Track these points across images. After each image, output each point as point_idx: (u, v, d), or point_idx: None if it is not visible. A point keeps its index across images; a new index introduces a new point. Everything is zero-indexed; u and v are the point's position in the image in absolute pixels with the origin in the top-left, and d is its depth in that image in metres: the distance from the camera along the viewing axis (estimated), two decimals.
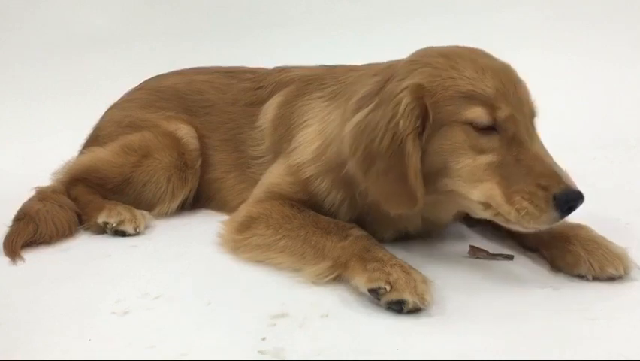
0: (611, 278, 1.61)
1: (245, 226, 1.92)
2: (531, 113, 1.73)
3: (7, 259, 1.97)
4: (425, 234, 2.00)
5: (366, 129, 1.69)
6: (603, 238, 1.70)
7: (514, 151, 1.62)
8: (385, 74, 1.82)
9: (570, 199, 1.55)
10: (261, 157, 2.28)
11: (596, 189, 2.53)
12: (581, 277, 1.65)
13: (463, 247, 1.91)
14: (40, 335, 1.46)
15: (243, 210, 2.00)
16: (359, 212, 1.92)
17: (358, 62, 2.24)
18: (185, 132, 2.42)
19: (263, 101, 2.35)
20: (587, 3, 4.01)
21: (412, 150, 1.63)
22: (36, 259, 1.99)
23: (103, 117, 2.64)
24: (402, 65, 1.79)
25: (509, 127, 1.64)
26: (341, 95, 2.00)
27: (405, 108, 1.64)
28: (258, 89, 2.41)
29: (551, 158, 1.65)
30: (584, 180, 2.56)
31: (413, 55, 1.84)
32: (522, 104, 1.69)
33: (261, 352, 1.34)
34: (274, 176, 2.05)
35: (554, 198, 1.54)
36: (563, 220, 1.80)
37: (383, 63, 1.99)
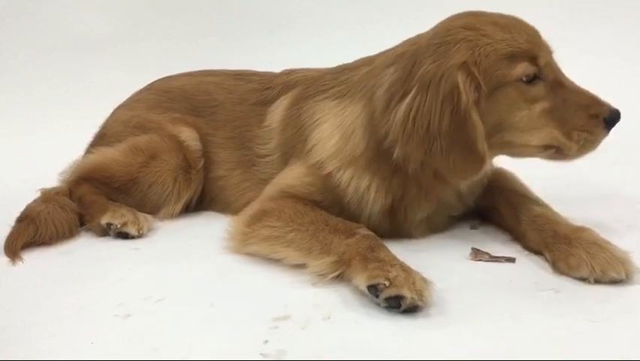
0: (613, 282, 1.61)
1: (256, 219, 1.94)
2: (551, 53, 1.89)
3: (7, 260, 1.98)
4: (451, 211, 2.11)
5: (418, 114, 1.77)
6: (606, 242, 1.70)
7: (559, 93, 1.83)
8: (404, 62, 1.88)
9: (616, 117, 1.83)
10: (267, 155, 2.30)
11: (599, 190, 2.54)
12: (583, 280, 1.64)
13: (465, 250, 1.91)
14: (42, 338, 1.47)
15: (256, 205, 2.02)
16: (392, 197, 1.95)
17: None
18: (188, 135, 2.43)
19: (271, 100, 2.38)
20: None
21: (476, 119, 1.76)
22: (39, 261, 2.00)
23: (110, 116, 2.65)
24: (424, 48, 1.84)
25: (549, 72, 1.83)
26: (352, 92, 2.04)
27: (464, 84, 1.74)
28: (266, 89, 2.44)
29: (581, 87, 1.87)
30: (586, 181, 2.60)
31: (432, 37, 1.86)
32: (546, 47, 1.87)
33: (263, 354, 1.34)
34: (290, 177, 2.06)
35: (605, 120, 1.81)
36: (567, 221, 1.84)
37: (376, 55, 2.08)
